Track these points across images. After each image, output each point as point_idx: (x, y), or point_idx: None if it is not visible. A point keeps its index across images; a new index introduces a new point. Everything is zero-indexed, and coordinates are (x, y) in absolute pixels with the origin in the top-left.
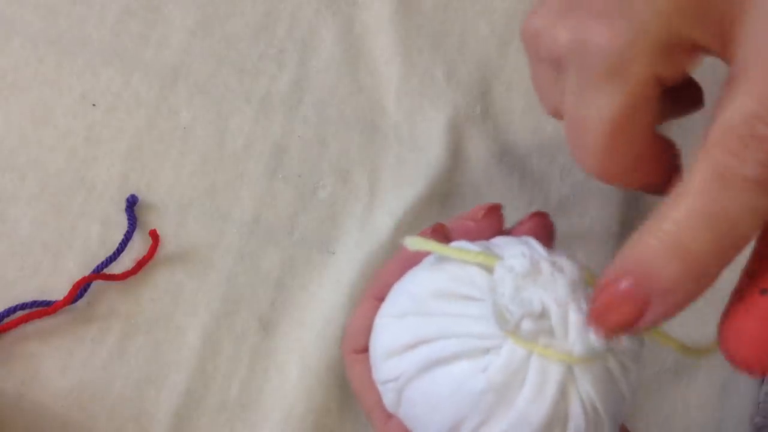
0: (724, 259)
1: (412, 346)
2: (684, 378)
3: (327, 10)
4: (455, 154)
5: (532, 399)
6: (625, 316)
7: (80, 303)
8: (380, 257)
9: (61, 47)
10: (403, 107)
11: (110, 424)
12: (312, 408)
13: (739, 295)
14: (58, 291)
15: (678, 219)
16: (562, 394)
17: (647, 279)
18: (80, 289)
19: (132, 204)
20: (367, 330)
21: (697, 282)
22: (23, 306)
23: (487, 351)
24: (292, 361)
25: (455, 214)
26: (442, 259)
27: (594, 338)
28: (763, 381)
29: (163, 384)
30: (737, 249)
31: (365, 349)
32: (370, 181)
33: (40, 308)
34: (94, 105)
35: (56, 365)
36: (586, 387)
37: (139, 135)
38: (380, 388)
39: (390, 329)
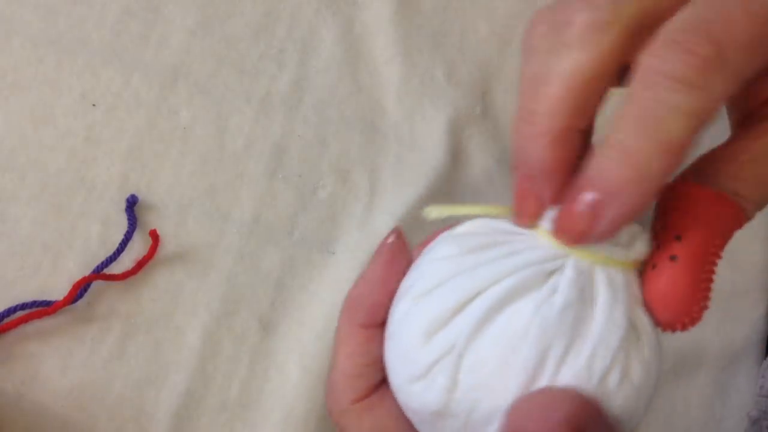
0: (663, 161)
1: (462, 305)
2: (684, 378)
3: (327, 10)
4: (455, 154)
5: (609, 309)
6: (583, 222)
7: (80, 303)
8: None
9: (61, 47)
10: (403, 107)
11: (110, 424)
12: (312, 408)
13: (652, 266)
14: (58, 291)
15: (621, 125)
16: (632, 301)
17: (599, 183)
18: (80, 289)
19: (132, 204)
20: (366, 366)
21: (641, 183)
22: (23, 306)
23: (550, 274)
24: (292, 361)
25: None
26: (447, 237)
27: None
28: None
29: (163, 384)
30: (673, 151)
31: (367, 394)
32: (370, 181)
33: (40, 308)
34: (94, 105)
35: (56, 365)
36: None
37: (139, 135)
38: (419, 387)
39: (423, 307)
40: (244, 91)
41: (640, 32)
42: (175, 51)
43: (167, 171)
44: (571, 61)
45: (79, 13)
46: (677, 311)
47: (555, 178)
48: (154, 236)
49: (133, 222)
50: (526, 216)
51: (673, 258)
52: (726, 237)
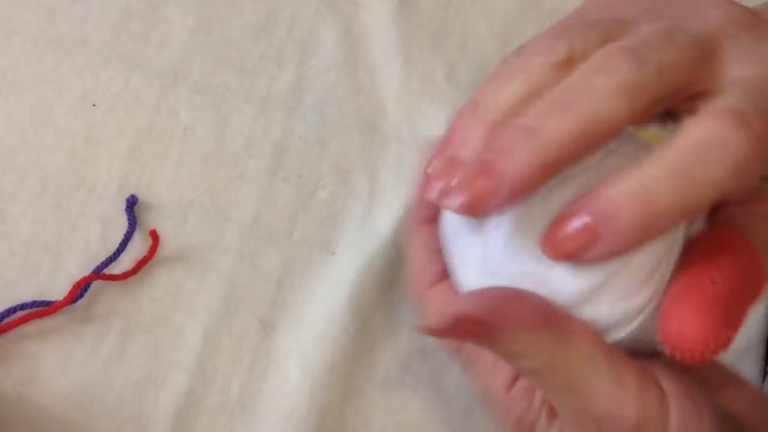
0: (679, 218)
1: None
2: None
3: (327, 10)
4: None
5: None
6: (574, 247)
7: (80, 303)
8: (380, 257)
9: (61, 47)
10: (403, 107)
11: (110, 424)
12: (312, 408)
13: (673, 292)
14: (58, 291)
15: (650, 172)
16: None
17: (606, 218)
18: (80, 289)
19: (132, 204)
20: (430, 260)
21: (647, 232)
22: (23, 306)
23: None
24: (292, 361)
25: None
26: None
27: None
28: (764, 380)
29: (163, 384)
30: (694, 213)
31: (436, 280)
32: (370, 181)
33: (40, 308)
34: (94, 105)
35: (56, 365)
36: None
37: (139, 135)
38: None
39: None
40: (244, 91)
41: (672, 96)
42: (175, 51)
43: (167, 171)
44: (605, 107)
45: (79, 13)
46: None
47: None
48: (154, 236)
49: (133, 222)
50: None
51: (713, 282)
52: (752, 300)
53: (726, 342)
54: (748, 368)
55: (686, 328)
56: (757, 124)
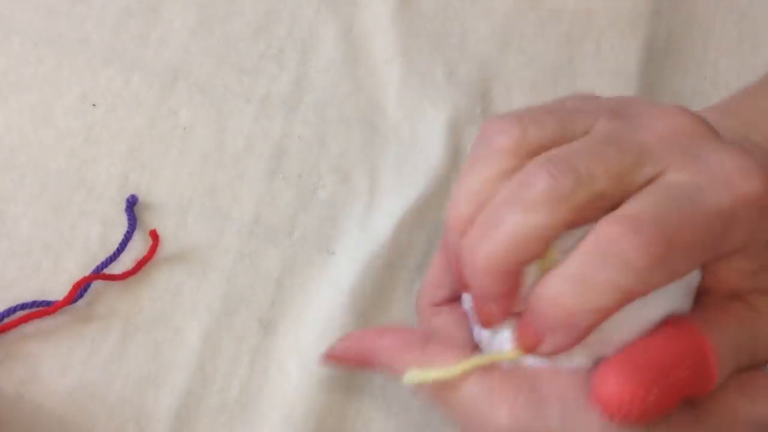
0: (593, 317)
1: None
2: None
3: (327, 10)
4: (455, 154)
5: None
6: (530, 344)
7: (80, 303)
8: (380, 257)
9: (61, 47)
10: (403, 107)
11: (110, 424)
12: (312, 408)
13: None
14: (58, 291)
15: (559, 279)
16: None
17: (537, 331)
18: (80, 289)
19: (132, 204)
20: (446, 281)
21: (571, 335)
22: (23, 306)
23: None
24: (292, 361)
25: None
26: None
27: None
28: None
29: (163, 384)
30: (604, 313)
31: (445, 301)
32: (370, 181)
33: (40, 308)
34: (94, 105)
35: (56, 365)
36: None
37: (139, 135)
38: None
39: None
40: (244, 91)
41: (593, 202)
42: (175, 51)
43: (167, 171)
44: (526, 220)
45: (79, 13)
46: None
47: (507, 303)
48: (154, 236)
49: (133, 222)
50: (488, 324)
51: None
52: (688, 386)
53: (641, 406)
54: None
55: (604, 385)
56: (649, 229)
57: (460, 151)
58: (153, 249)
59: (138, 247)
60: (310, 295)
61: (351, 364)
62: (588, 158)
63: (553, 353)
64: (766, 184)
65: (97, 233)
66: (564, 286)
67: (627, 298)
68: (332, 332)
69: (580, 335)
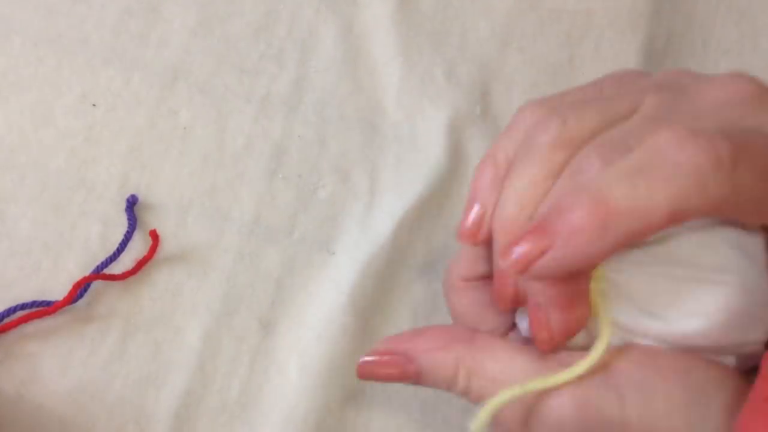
0: (635, 224)
1: None
2: None
3: (327, 10)
4: (455, 154)
5: None
6: (525, 253)
7: (80, 303)
8: (380, 257)
9: (61, 47)
10: (403, 107)
11: (110, 424)
12: (312, 408)
13: (750, 402)
14: (58, 291)
15: (607, 175)
16: None
17: (555, 218)
18: (80, 289)
19: (132, 204)
20: (484, 258)
21: (602, 231)
22: (23, 306)
23: None
24: (292, 361)
25: (454, 215)
26: None
27: None
28: None
29: (163, 384)
30: (652, 226)
31: (480, 277)
32: (370, 181)
33: (40, 308)
34: (94, 105)
35: (56, 365)
36: None
37: (139, 135)
38: None
39: None
40: (244, 91)
41: None
42: (175, 51)
43: (167, 171)
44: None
45: (79, 13)
46: None
47: (570, 312)
48: (154, 236)
49: (133, 222)
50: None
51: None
52: None
53: None
54: None
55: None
56: (718, 141)
57: (460, 151)
58: (153, 249)
59: (138, 247)
60: (310, 295)
61: (388, 376)
62: (637, 138)
63: (554, 266)
64: None
65: (97, 233)
66: (612, 180)
67: (679, 210)
68: (332, 332)
69: (601, 241)
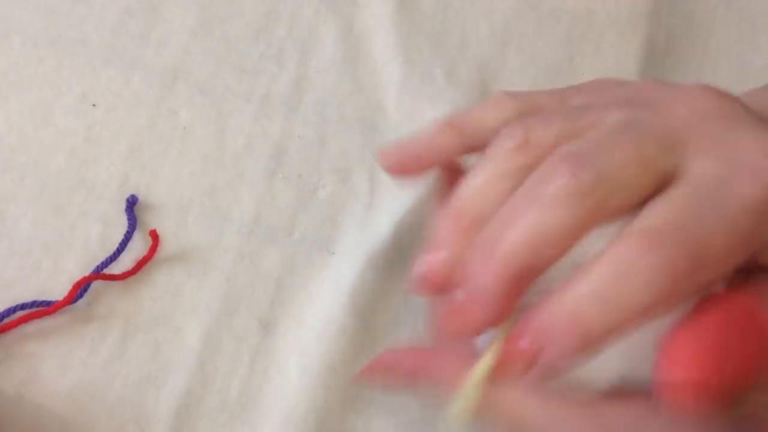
0: (613, 336)
1: None
2: None
3: (327, 10)
4: None
5: None
6: (516, 367)
7: (80, 303)
8: (380, 257)
9: (61, 47)
10: (403, 107)
11: (110, 424)
12: (313, 408)
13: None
14: (58, 291)
15: (578, 295)
16: None
17: (541, 342)
18: (80, 289)
19: (132, 204)
20: None
21: (583, 351)
22: (23, 306)
23: None
24: (292, 361)
25: None
26: None
27: None
28: None
29: (163, 384)
30: (628, 328)
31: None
32: (370, 181)
33: (40, 308)
34: (94, 105)
35: (56, 365)
36: None
37: (139, 135)
38: None
39: None
40: (244, 91)
41: (617, 196)
42: (175, 51)
43: (167, 171)
44: (545, 219)
45: (79, 13)
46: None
47: (504, 309)
48: (154, 236)
49: (133, 222)
50: (456, 335)
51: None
52: (757, 366)
53: (717, 387)
54: None
55: (676, 369)
56: (671, 246)
57: None
58: (153, 249)
59: (138, 247)
60: (310, 295)
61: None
62: (606, 150)
63: (545, 368)
64: None
65: (97, 233)
66: (584, 301)
67: (650, 316)
68: (332, 332)
69: (587, 349)
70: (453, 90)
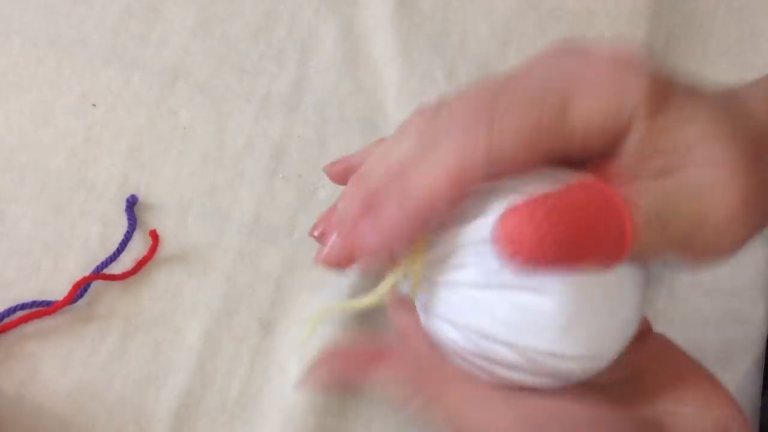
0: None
1: None
2: None
3: (327, 10)
4: None
5: None
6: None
7: (80, 303)
8: None
9: (61, 47)
10: (403, 107)
11: (110, 424)
12: (312, 408)
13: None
14: (58, 291)
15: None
16: None
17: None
18: (80, 289)
19: (132, 204)
20: None
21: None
22: (23, 306)
23: None
24: (292, 361)
25: None
26: None
27: None
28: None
29: (163, 384)
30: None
31: None
32: None
33: (40, 308)
34: (94, 105)
35: (56, 365)
36: None
37: (139, 135)
38: None
39: None
40: (244, 91)
41: None
42: (175, 51)
43: (167, 171)
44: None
45: (79, 13)
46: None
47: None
48: (154, 236)
49: (133, 222)
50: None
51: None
52: (597, 241)
53: (535, 242)
54: (746, 368)
55: (502, 221)
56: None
57: None
58: (153, 249)
59: (138, 247)
60: (310, 295)
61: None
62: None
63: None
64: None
65: (97, 233)
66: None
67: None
68: (332, 332)
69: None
70: (453, 90)
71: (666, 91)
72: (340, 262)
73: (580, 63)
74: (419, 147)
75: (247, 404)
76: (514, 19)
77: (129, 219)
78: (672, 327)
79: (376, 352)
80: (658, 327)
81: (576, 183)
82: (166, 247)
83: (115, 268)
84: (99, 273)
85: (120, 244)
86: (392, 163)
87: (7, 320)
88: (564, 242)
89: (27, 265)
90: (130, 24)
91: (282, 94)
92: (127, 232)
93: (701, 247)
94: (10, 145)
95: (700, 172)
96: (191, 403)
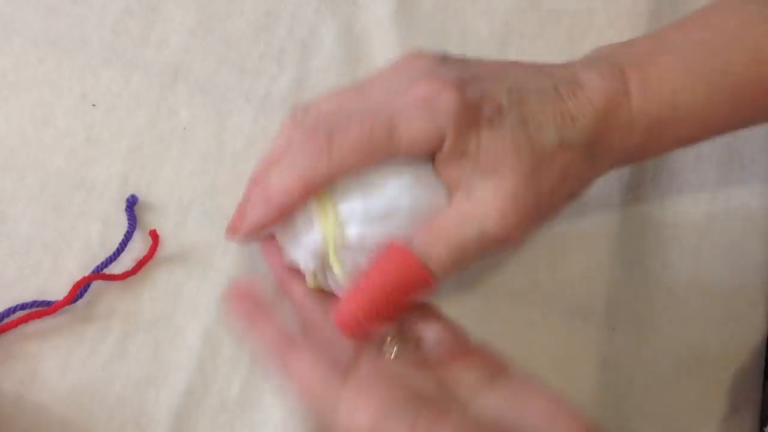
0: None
1: None
2: (684, 377)
3: (327, 10)
4: None
5: None
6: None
7: (80, 303)
8: None
9: (61, 47)
10: None
11: (110, 424)
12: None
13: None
14: (58, 291)
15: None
16: None
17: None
18: (80, 289)
19: (132, 204)
20: None
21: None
22: (23, 306)
23: None
24: None
25: None
26: None
27: None
28: (764, 387)
29: (163, 384)
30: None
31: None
32: None
33: (40, 308)
34: (94, 105)
35: (56, 365)
36: None
37: (139, 135)
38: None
39: None
40: (244, 91)
41: None
42: (175, 51)
43: (167, 171)
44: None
45: (79, 13)
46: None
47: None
48: (154, 236)
49: (133, 222)
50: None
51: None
52: (406, 290)
53: (370, 320)
54: (746, 368)
55: (339, 314)
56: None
57: None
58: (153, 249)
59: (138, 247)
60: None
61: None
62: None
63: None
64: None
65: (97, 233)
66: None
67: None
68: None
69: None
70: None
71: (474, 113)
72: (235, 233)
73: (408, 88)
74: (285, 148)
75: (247, 404)
76: (514, 19)
77: (129, 219)
78: (672, 327)
79: (262, 305)
80: (658, 327)
81: (381, 256)
82: (166, 247)
83: (115, 268)
84: (99, 273)
85: (120, 244)
86: (265, 161)
87: (7, 320)
88: (378, 313)
89: (27, 265)
90: (130, 24)
91: (282, 94)
92: (127, 232)
93: (492, 241)
94: (10, 145)
95: (483, 180)
96: (191, 403)
